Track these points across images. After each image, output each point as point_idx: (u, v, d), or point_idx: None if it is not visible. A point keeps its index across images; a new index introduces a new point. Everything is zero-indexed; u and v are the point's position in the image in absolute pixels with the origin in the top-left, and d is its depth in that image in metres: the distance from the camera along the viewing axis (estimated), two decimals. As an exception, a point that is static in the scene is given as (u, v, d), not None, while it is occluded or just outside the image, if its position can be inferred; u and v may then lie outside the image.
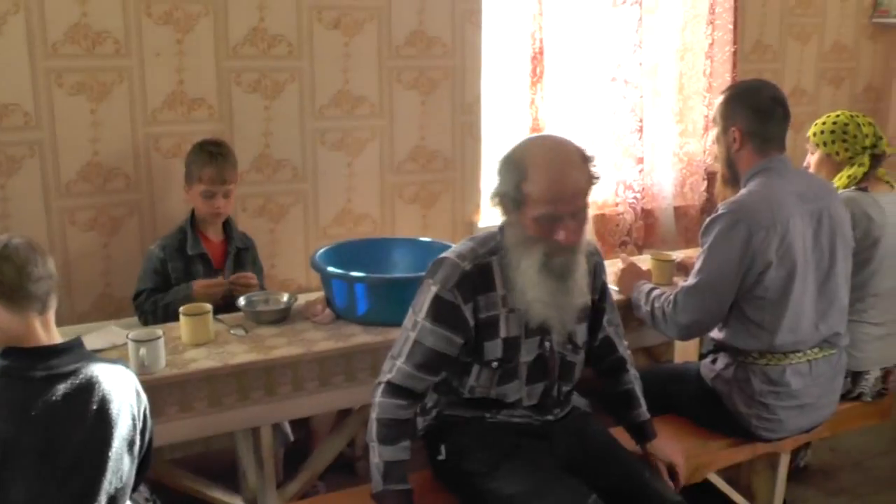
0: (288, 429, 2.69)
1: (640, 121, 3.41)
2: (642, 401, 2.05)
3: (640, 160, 3.44)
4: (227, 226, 2.69)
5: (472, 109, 3.19)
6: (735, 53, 3.61)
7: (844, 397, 2.52)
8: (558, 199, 1.70)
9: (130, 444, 1.62)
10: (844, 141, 2.55)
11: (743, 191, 2.23)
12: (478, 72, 3.17)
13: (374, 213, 3.10)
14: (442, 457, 1.95)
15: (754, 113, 2.24)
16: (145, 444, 1.70)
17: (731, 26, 3.57)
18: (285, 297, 2.46)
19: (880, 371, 2.59)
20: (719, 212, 2.19)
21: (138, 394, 1.67)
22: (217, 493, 2.45)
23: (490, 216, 3.32)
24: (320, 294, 2.52)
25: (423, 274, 2.35)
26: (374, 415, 1.81)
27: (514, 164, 1.74)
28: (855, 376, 2.55)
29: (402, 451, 1.80)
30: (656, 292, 2.36)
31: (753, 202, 2.17)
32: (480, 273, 1.80)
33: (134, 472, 1.65)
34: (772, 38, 3.93)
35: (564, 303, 1.80)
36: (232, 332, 2.31)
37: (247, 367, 2.16)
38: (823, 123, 2.61)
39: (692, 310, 2.21)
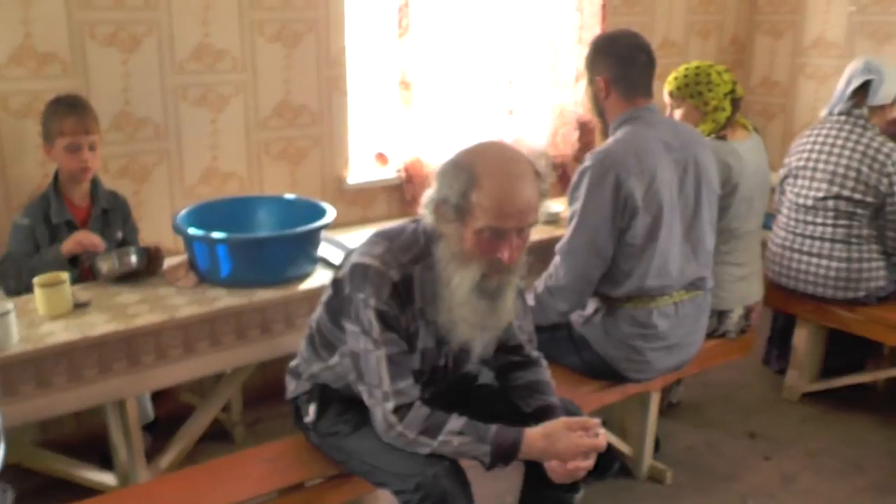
0: (149, 406, 2.60)
1: (512, 73, 3.41)
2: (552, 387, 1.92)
3: (511, 112, 3.45)
4: (94, 187, 2.53)
5: (337, 63, 3.09)
6: (604, 7, 3.65)
7: (711, 335, 2.64)
8: (508, 213, 1.58)
9: None
10: (710, 90, 2.60)
11: (610, 140, 2.25)
12: (342, 24, 3.07)
13: (241, 171, 2.98)
14: (310, 418, 1.91)
15: (615, 60, 2.25)
16: None
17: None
18: (134, 258, 2.34)
19: (743, 309, 2.73)
20: (586, 163, 2.20)
21: None
22: (87, 473, 2.34)
23: (359, 172, 3.26)
24: (183, 257, 2.41)
25: (287, 231, 2.33)
26: (419, 442, 1.67)
27: (464, 171, 1.60)
28: (720, 315, 2.67)
29: (456, 421, 1.67)
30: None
31: (619, 151, 2.18)
32: (405, 284, 1.69)
33: None
34: (643, -8, 4.03)
35: (490, 324, 1.72)
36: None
37: (107, 338, 2.05)
38: (685, 77, 2.65)
39: (574, 270, 2.22)
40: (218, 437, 2.78)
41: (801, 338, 3.23)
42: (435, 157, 3.23)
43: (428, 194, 1.67)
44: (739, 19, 4.58)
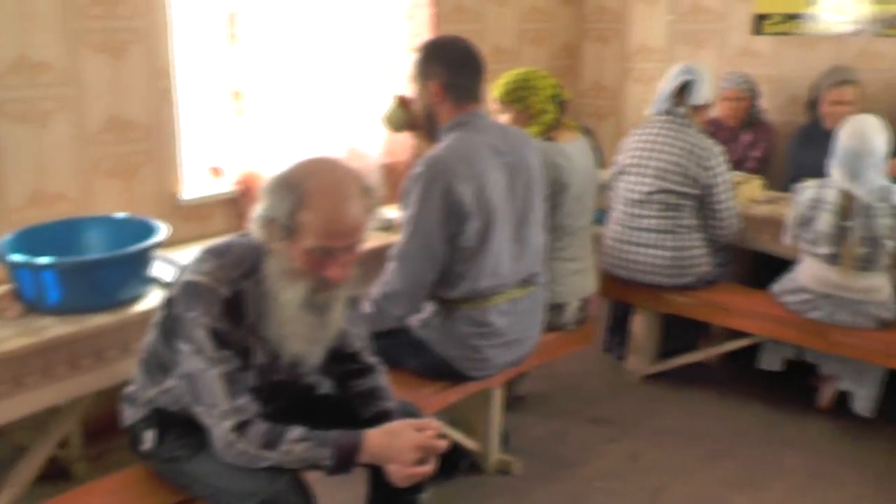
0: None
1: (344, 81, 3.42)
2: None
3: (345, 120, 3.46)
4: None
5: (167, 73, 2.98)
6: (435, 15, 3.71)
7: (550, 329, 2.75)
8: (337, 233, 1.61)
9: None
10: (534, 95, 2.72)
11: (440, 145, 2.31)
12: (170, 33, 2.96)
13: (71, 192, 2.82)
14: (147, 445, 1.86)
15: (450, 66, 2.31)
16: None
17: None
18: None
19: (579, 301, 2.87)
20: (417, 169, 2.25)
21: None
22: None
23: (195, 187, 3.17)
24: (8, 287, 2.28)
25: (116, 253, 2.25)
26: (261, 457, 1.66)
27: (291, 190, 1.61)
28: (557, 308, 2.79)
29: (295, 430, 1.68)
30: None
31: (449, 156, 2.24)
32: (236, 300, 1.68)
33: None
34: (471, 2, 4.11)
35: (321, 336, 1.75)
36: None
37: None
38: (510, 83, 2.76)
39: (409, 274, 2.26)
40: (57, 475, 2.63)
41: (639, 324, 3.44)
42: (270, 168, 3.19)
43: (257, 211, 1.67)
44: (569, 27, 4.80)
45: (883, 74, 3.88)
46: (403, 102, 2.52)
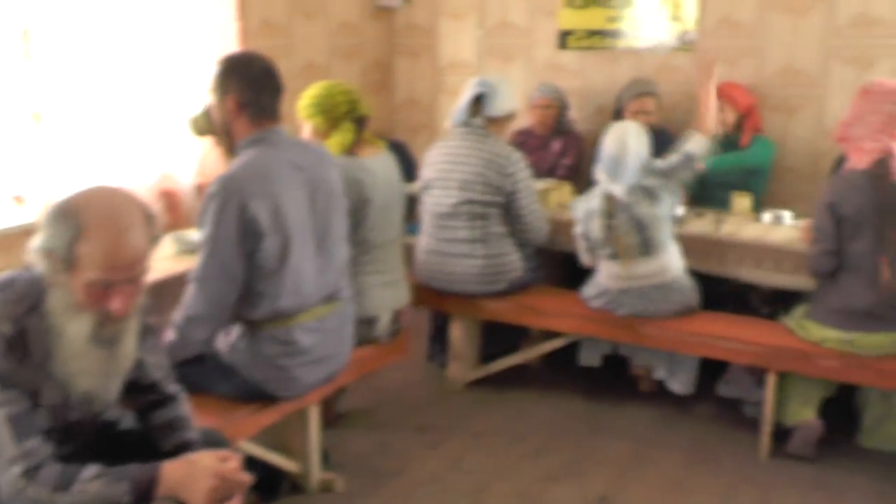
0: None
1: (151, 100, 3.32)
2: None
3: (155, 141, 3.36)
4: None
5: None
6: (243, 31, 3.67)
7: (363, 343, 2.77)
8: (117, 265, 1.55)
9: None
10: (331, 111, 2.75)
11: (235, 163, 2.28)
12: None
13: None
14: None
15: (248, 83, 2.29)
16: None
17: (234, 4, 3.62)
18: None
19: (391, 314, 2.91)
20: (212, 189, 2.21)
21: None
22: None
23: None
24: None
25: None
26: (54, 502, 1.56)
27: (68, 219, 1.54)
28: (368, 322, 2.82)
29: (90, 468, 1.58)
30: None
31: (244, 175, 2.22)
32: (20, 337, 1.58)
33: None
34: (279, 17, 4.08)
35: (113, 370, 1.68)
36: None
37: None
38: (309, 98, 2.78)
39: (209, 296, 2.22)
40: None
41: (457, 332, 3.52)
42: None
43: (35, 242, 1.59)
44: (380, 43, 4.85)
45: (680, 86, 4.17)
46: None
